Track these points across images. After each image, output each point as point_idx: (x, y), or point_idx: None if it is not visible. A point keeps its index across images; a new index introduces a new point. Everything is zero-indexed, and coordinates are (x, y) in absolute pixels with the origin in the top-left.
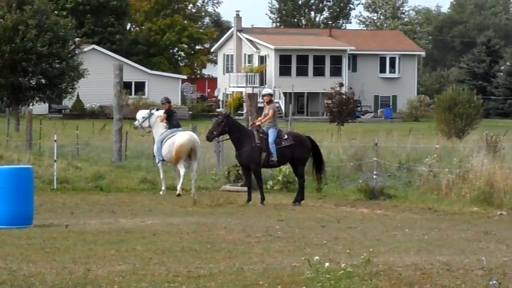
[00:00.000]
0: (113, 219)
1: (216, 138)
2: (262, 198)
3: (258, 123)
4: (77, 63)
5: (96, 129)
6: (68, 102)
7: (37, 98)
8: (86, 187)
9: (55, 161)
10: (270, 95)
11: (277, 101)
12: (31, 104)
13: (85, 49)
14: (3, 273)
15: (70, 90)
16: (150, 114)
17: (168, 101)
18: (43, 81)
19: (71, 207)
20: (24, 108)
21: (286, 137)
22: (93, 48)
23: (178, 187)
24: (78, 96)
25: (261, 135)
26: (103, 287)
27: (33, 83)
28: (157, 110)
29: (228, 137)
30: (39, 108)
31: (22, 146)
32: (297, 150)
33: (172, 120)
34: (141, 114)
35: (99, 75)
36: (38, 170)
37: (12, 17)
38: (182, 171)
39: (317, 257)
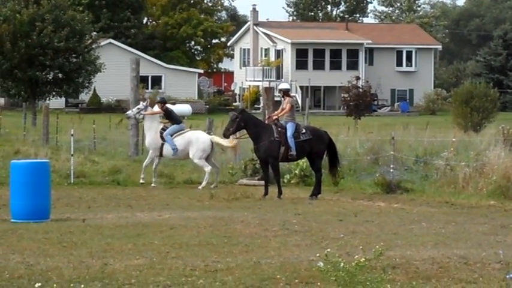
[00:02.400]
0: (130, 213)
1: (233, 135)
2: (280, 192)
3: (275, 116)
4: (93, 58)
5: (112, 123)
6: (84, 97)
7: (54, 93)
8: (103, 181)
9: (72, 155)
10: (287, 90)
11: (294, 94)
12: (48, 98)
13: (102, 43)
14: (20, 268)
15: (87, 84)
16: (146, 107)
17: (163, 101)
18: (60, 75)
19: (88, 202)
20: (41, 102)
21: (304, 131)
22: (110, 43)
23: (204, 184)
24: (94, 90)
25: (279, 129)
26: (120, 281)
27: (50, 78)
28: (147, 105)
29: (247, 133)
30: (56, 102)
31: (39, 141)
32: (315, 144)
33: (174, 117)
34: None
35: (115, 69)
36: (55, 164)
37: (29, 12)
38: (208, 168)
39: (329, 250)
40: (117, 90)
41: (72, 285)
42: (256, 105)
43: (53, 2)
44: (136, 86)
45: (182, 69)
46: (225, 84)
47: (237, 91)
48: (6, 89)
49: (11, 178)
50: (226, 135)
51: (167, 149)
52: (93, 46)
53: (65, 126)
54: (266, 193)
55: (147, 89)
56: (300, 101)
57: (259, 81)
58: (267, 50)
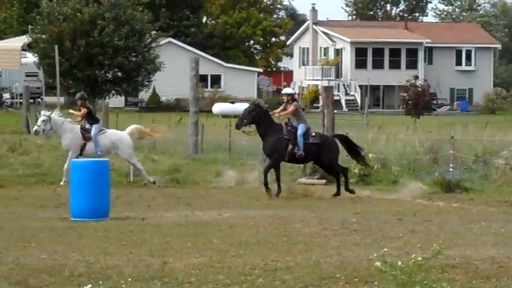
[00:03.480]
0: (189, 212)
1: (244, 128)
2: (265, 186)
3: (276, 115)
4: (153, 57)
5: (172, 122)
6: (144, 95)
7: (113, 91)
8: (163, 180)
9: None
10: (290, 94)
11: (295, 97)
12: (107, 97)
13: (161, 42)
14: (80, 266)
15: (146, 83)
16: (49, 117)
17: (83, 97)
18: (119, 74)
19: (147, 200)
20: (100, 101)
21: (313, 134)
22: (169, 42)
23: (148, 178)
24: (154, 89)
25: (289, 128)
26: (180, 279)
27: (110, 76)
28: (51, 114)
29: (256, 129)
30: (116, 101)
31: None
32: (323, 150)
33: (95, 116)
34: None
35: (175, 68)
36: (115, 163)
37: (90, 11)
38: (139, 164)
39: (388, 249)
40: (176, 89)
41: (131, 283)
42: (315, 104)
43: (113, 1)
44: (195, 84)
45: (241, 68)
46: (284, 83)
47: (296, 90)
48: (66, 87)
49: (71, 177)
50: (238, 127)
51: (90, 148)
52: (153, 45)
53: (125, 125)
54: (279, 191)
55: (207, 87)
56: (359, 100)
57: (319, 80)
58: (326, 49)
